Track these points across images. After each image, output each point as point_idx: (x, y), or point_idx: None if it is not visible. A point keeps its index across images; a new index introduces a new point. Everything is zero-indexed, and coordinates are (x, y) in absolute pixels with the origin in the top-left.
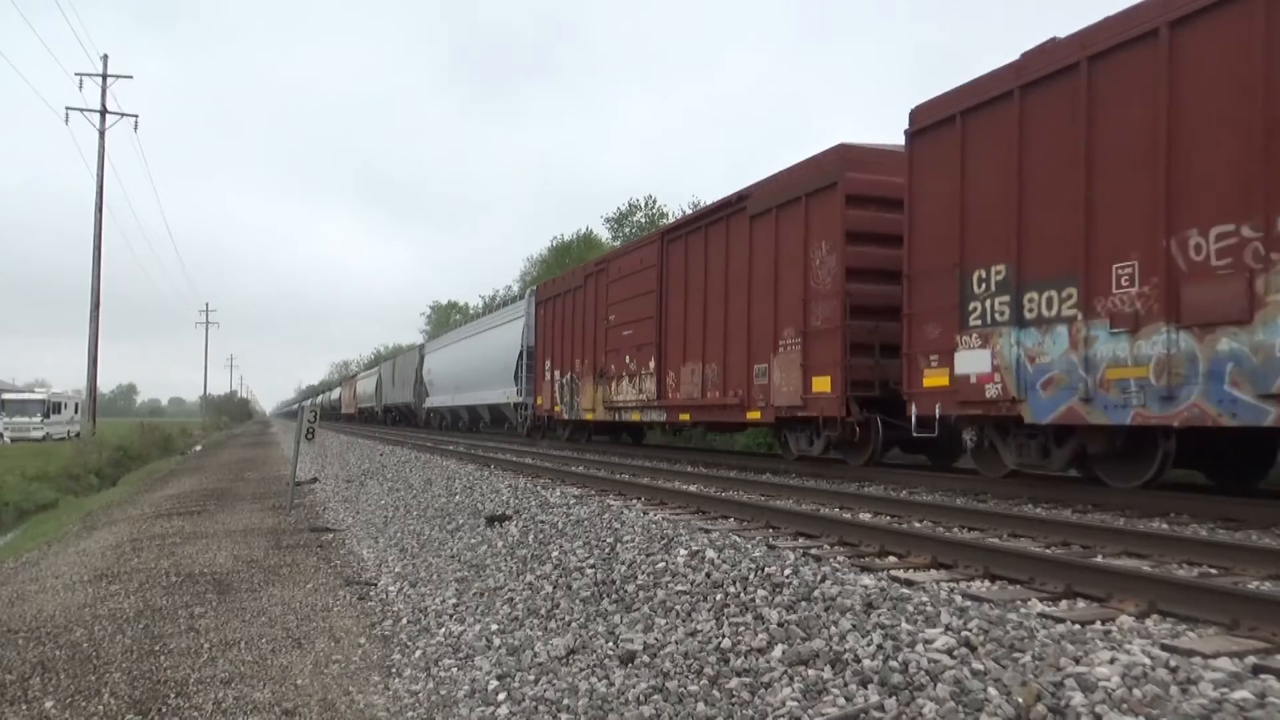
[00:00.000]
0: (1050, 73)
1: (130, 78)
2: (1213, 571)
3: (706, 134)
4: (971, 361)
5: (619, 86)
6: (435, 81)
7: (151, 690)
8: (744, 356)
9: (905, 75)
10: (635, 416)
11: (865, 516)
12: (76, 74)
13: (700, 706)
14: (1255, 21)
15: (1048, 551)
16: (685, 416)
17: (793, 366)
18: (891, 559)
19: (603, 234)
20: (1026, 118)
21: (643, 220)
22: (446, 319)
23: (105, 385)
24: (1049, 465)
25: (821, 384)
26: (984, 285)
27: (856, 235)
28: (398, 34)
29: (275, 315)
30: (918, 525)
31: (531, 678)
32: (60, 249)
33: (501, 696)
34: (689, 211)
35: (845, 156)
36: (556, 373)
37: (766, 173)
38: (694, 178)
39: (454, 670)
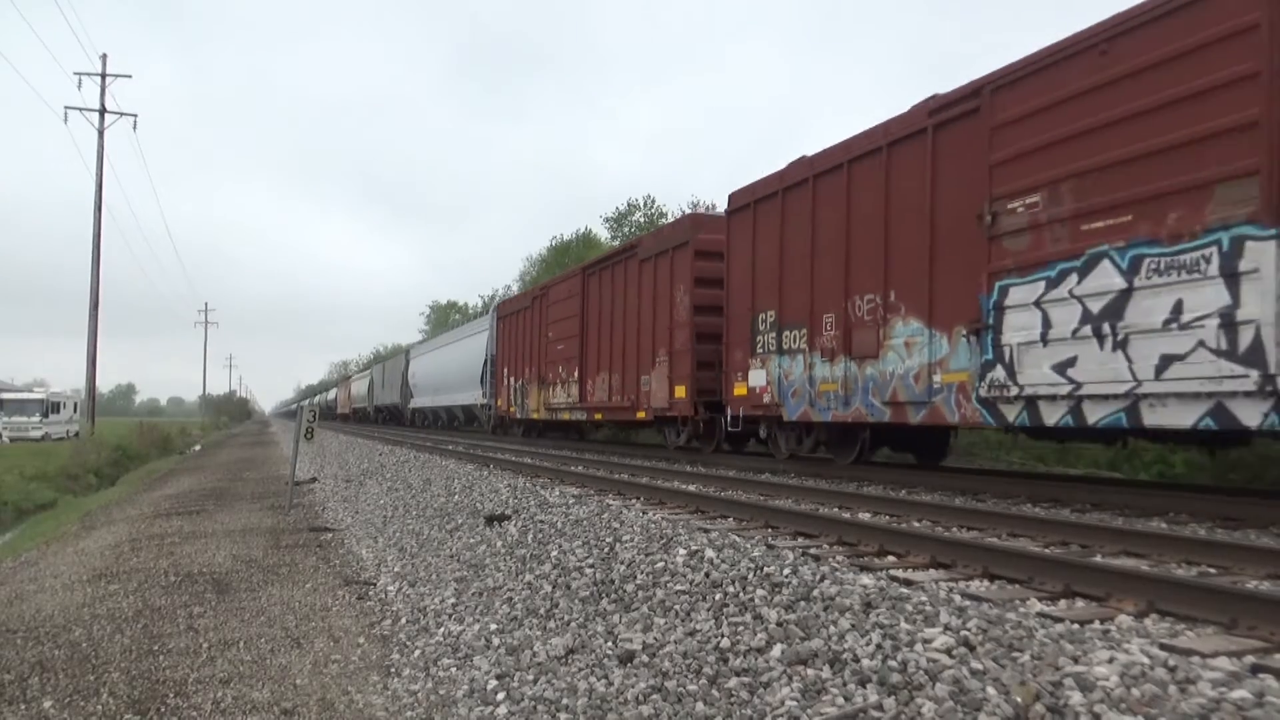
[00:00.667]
0: (796, 182)
1: (129, 77)
2: (1211, 571)
3: (706, 134)
4: (757, 378)
5: (619, 86)
6: (436, 82)
7: (150, 690)
8: (635, 369)
9: (905, 75)
10: (565, 416)
11: (864, 516)
12: (76, 73)
13: (699, 706)
14: (879, 170)
15: (1046, 551)
16: (599, 416)
17: (663, 378)
18: (890, 558)
19: (602, 234)
20: (785, 211)
21: (641, 220)
22: (446, 319)
23: (104, 385)
24: (802, 449)
25: (680, 391)
26: (764, 324)
27: (703, 280)
28: (400, 34)
29: (275, 315)
30: (916, 525)
31: (530, 677)
32: (60, 249)
33: (500, 696)
34: (687, 212)
35: (696, 222)
36: (512, 379)
37: (766, 173)
38: (694, 178)
39: (453, 670)
